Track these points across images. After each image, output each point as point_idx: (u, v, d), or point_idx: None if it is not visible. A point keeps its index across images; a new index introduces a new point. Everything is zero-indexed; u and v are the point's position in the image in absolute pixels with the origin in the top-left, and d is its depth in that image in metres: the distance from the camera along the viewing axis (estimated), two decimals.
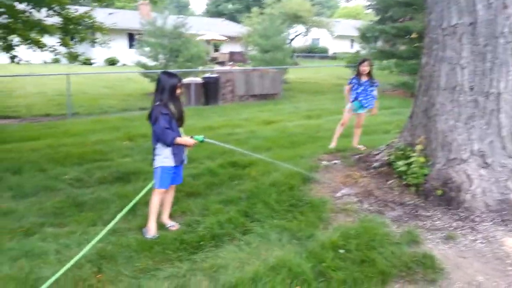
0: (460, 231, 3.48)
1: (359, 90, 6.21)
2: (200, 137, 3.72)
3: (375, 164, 4.93)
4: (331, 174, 4.88)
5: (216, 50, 35.08)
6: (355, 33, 26.31)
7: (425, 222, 3.66)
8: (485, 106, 4.09)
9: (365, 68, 6.15)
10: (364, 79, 6.19)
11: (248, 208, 4.05)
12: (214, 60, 30.54)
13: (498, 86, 4.05)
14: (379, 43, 23.02)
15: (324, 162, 5.30)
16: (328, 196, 4.26)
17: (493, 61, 4.01)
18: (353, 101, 6.30)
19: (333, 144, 6.39)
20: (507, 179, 3.97)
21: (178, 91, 3.67)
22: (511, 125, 4.14)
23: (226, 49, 34.68)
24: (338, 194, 4.31)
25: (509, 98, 4.09)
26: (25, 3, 7.26)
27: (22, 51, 9.04)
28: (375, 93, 6.25)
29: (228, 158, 6.01)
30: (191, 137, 3.69)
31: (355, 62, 6.48)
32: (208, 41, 30.21)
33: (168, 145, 3.57)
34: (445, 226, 3.58)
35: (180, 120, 3.70)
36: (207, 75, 14.15)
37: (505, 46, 3.97)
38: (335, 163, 5.25)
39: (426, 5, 4.54)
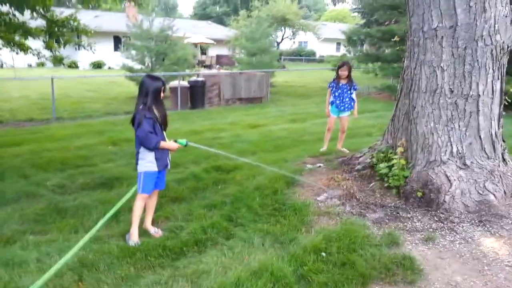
0: (439, 232, 3.54)
1: (336, 94, 6.29)
2: (183, 141, 3.71)
3: (358, 167, 4.99)
4: (315, 177, 4.91)
5: (203, 53, 35.02)
6: (342, 36, 26.55)
7: (405, 224, 3.71)
8: (465, 109, 4.18)
9: (344, 72, 6.22)
10: (342, 82, 6.25)
11: (232, 212, 4.06)
12: (201, 63, 30.47)
13: (477, 89, 4.13)
14: (365, 46, 23.30)
15: (308, 166, 5.34)
16: (311, 199, 4.30)
17: (472, 64, 4.09)
18: (331, 104, 6.38)
19: (324, 148, 6.46)
20: (485, 180, 4.06)
21: (162, 94, 3.67)
22: (489, 127, 4.24)
23: (213, 52, 34.66)
24: (321, 197, 4.34)
25: (487, 101, 4.18)
26: (8, 5, 7.15)
27: (6, 54, 8.91)
28: (353, 96, 6.31)
29: (212, 163, 6.00)
30: (175, 141, 3.68)
31: (346, 63, 6.51)
32: (195, 44, 30.14)
33: (151, 149, 3.56)
34: (425, 227, 3.64)
35: (163, 124, 3.70)
36: (193, 78, 14.11)
37: (484, 49, 4.05)
38: (319, 166, 5.29)
39: (407, 9, 4.61)
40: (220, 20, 51.07)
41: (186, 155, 6.26)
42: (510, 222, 3.71)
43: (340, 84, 6.25)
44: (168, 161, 3.82)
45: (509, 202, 4.04)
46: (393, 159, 4.41)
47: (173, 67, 15.19)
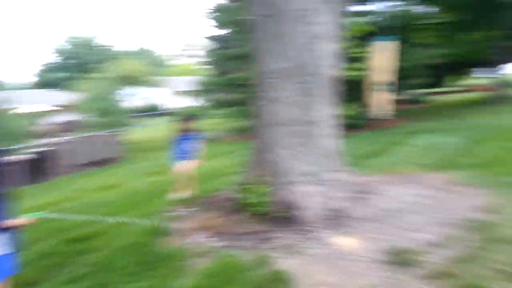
0: (303, 244, 3.91)
1: (177, 145, 6.50)
2: (38, 213, 3.44)
3: (225, 204, 5.16)
4: (182, 222, 4.89)
5: (46, 121, 32.10)
6: (192, 88, 27.49)
7: (275, 244, 3.99)
8: (308, 134, 4.79)
9: (185, 125, 6.49)
10: (184, 134, 6.51)
11: (102, 279, 3.73)
12: (43, 133, 27.81)
13: (317, 115, 4.80)
14: (216, 95, 24.53)
15: (173, 213, 5.30)
16: (183, 244, 4.24)
17: (308, 95, 4.75)
18: (175, 156, 6.55)
19: (186, 194, 6.43)
20: (335, 191, 4.70)
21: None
22: (331, 146, 4.96)
23: (58, 119, 32.05)
24: (192, 240, 4.33)
25: (327, 124, 4.90)
26: None
27: None
28: (193, 145, 6.55)
29: (71, 233, 5.42)
30: (26, 216, 3.31)
31: (190, 115, 6.81)
32: (36, 113, 27.48)
33: None
34: (290, 242, 3.97)
35: (8, 202, 3.29)
36: (34, 150, 12.80)
37: (315, 82, 4.75)
38: (185, 212, 5.28)
39: (251, 56, 5.15)
40: (63, 86, 47.98)
41: (39, 230, 5.53)
42: (360, 222, 4.32)
43: (181, 136, 6.48)
44: (21, 241, 3.37)
45: (354, 206, 4.68)
46: (255, 189, 4.72)
47: (3, 142, 13.55)
